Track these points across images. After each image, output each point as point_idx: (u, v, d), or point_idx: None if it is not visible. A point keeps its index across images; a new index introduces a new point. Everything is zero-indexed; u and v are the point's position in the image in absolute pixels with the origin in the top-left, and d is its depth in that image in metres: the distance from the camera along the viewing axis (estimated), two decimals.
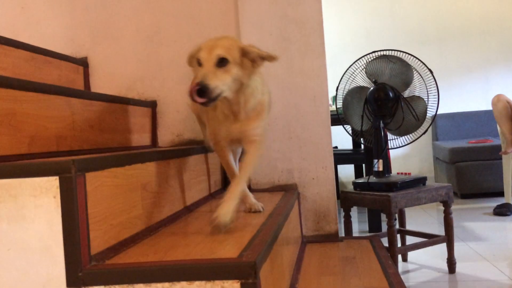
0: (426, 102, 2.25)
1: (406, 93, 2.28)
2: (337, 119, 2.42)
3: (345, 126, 2.44)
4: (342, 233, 2.26)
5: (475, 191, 4.28)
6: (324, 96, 2.07)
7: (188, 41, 2.21)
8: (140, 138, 2.04)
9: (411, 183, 2.18)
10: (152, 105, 2.20)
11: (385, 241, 2.05)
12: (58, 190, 0.91)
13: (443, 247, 2.27)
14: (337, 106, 2.39)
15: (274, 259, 1.17)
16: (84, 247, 0.93)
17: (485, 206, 3.89)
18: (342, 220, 2.30)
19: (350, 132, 2.48)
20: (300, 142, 2.08)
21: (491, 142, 4.41)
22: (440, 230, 2.70)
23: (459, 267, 2.26)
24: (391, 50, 2.27)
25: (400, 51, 2.26)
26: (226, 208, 1.20)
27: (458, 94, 5.19)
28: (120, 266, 0.96)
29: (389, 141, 2.35)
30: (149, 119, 2.17)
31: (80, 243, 0.92)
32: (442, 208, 2.26)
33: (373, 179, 2.21)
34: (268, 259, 1.05)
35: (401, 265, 2.41)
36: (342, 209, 2.29)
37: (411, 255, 2.51)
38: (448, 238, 2.22)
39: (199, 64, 1.21)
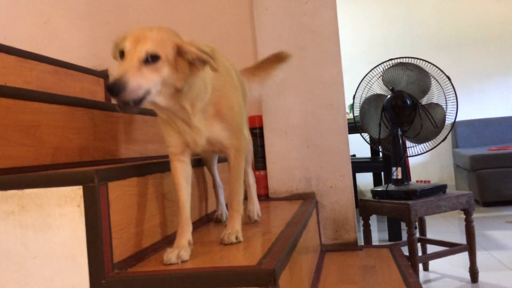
0: (445, 109, 2.24)
1: (424, 100, 2.27)
2: (354, 127, 2.42)
3: (362, 134, 2.44)
4: (361, 242, 2.25)
5: (497, 199, 4.21)
6: (341, 104, 2.08)
7: None
8: (160, 148, 2.07)
9: (431, 191, 2.16)
10: None
11: (405, 250, 2.03)
12: (82, 199, 0.93)
13: (465, 256, 2.24)
14: (354, 114, 2.39)
15: (293, 267, 1.18)
16: (107, 255, 0.95)
17: (508, 214, 3.81)
18: (361, 229, 2.29)
19: (368, 140, 2.48)
20: (318, 151, 2.08)
21: None
22: (461, 239, 2.66)
23: (481, 277, 2.22)
24: (408, 57, 2.26)
25: (417, 58, 2.26)
26: (231, 230, 1.18)
27: (478, 100, 5.13)
28: (142, 274, 0.97)
29: (407, 149, 2.34)
30: None
31: (103, 251, 0.94)
32: (463, 216, 2.23)
33: (392, 187, 2.19)
34: (287, 267, 1.06)
35: (422, 275, 2.38)
36: (361, 218, 2.28)
37: (432, 264, 2.48)
38: (470, 247, 2.19)
39: (122, 56, 0.97)
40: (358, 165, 3.77)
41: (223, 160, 1.51)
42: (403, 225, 2.30)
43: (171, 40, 0.99)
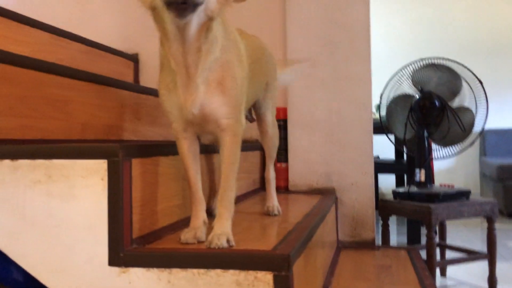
0: (474, 113, 2.19)
1: (454, 103, 2.23)
2: (380, 128, 2.39)
3: (388, 134, 2.41)
4: (379, 242, 2.23)
5: None
6: (367, 101, 2.06)
7: None
8: None
9: (454, 195, 2.12)
10: None
11: (423, 254, 2.01)
12: (106, 172, 0.96)
13: (484, 265, 2.19)
14: (381, 114, 2.37)
15: (308, 257, 1.18)
16: (126, 229, 0.97)
17: None
18: (380, 229, 2.27)
19: (393, 140, 2.45)
20: (341, 147, 2.07)
21: None
22: (482, 248, 2.61)
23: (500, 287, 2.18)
24: (440, 58, 2.22)
25: (449, 59, 2.22)
26: (220, 231, 1.00)
27: (510, 109, 5.00)
28: (159, 250, 0.99)
29: (433, 151, 2.31)
30: None
31: (123, 224, 0.96)
32: (486, 225, 2.18)
33: (414, 188, 2.17)
34: (302, 255, 1.06)
35: (439, 280, 2.35)
36: (380, 218, 2.26)
37: (450, 270, 2.44)
38: (490, 256, 2.15)
39: None
40: (381, 166, 3.73)
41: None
42: (423, 230, 2.27)
43: None
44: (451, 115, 2.17)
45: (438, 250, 2.36)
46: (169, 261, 0.95)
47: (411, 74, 2.28)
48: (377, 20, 4.85)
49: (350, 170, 2.07)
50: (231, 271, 0.92)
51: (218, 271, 0.93)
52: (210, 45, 0.97)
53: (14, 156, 1.02)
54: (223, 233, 0.99)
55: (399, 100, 2.31)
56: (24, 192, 1.01)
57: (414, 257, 1.91)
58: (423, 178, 2.17)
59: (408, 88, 2.30)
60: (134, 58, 2.32)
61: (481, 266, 2.32)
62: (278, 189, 2.09)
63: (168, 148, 1.16)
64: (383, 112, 2.35)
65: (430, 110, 2.16)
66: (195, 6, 0.87)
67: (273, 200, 1.44)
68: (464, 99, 2.23)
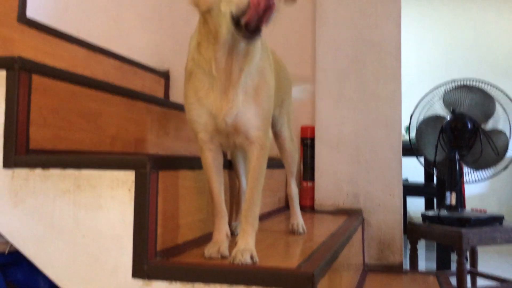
0: (508, 137, 2.13)
1: (487, 126, 2.17)
2: (409, 149, 2.35)
3: (418, 157, 2.36)
4: (406, 267, 2.16)
5: None
6: (396, 121, 2.03)
7: None
8: None
9: (486, 220, 2.05)
10: None
11: (453, 281, 1.93)
12: (133, 184, 0.97)
13: None
14: (410, 135, 2.33)
15: (333, 278, 1.15)
16: (151, 241, 0.98)
17: None
18: (408, 253, 2.20)
19: (423, 162, 2.40)
20: (368, 167, 2.04)
21: None
22: None
23: None
24: (473, 79, 2.18)
25: (483, 81, 2.17)
26: (244, 246, 0.99)
27: None
28: (183, 264, 0.99)
29: (464, 175, 2.24)
30: None
31: (148, 237, 0.97)
32: None
33: (444, 212, 2.10)
34: (326, 275, 1.04)
35: None
36: (408, 242, 2.20)
37: None
38: None
39: None
40: (410, 189, 3.65)
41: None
42: (453, 256, 2.19)
43: None
44: (484, 138, 2.11)
45: (468, 278, 2.27)
46: (192, 276, 0.95)
47: (443, 95, 2.24)
48: (409, 40, 4.83)
49: (378, 191, 2.03)
50: (254, 287, 0.91)
51: (242, 287, 0.92)
52: (250, 59, 0.98)
53: (45, 165, 1.04)
54: (246, 249, 0.97)
55: (430, 121, 2.26)
56: (53, 201, 1.03)
57: (443, 283, 1.85)
58: (453, 202, 2.11)
59: (439, 109, 2.26)
60: (165, 75, 2.36)
61: None
62: (304, 208, 2.07)
63: (195, 162, 1.17)
64: (413, 134, 2.31)
65: (462, 132, 2.10)
66: (265, 25, 0.89)
67: (298, 218, 1.42)
68: (498, 121, 2.17)
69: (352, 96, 2.07)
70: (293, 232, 1.39)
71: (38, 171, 1.05)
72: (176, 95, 2.35)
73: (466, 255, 1.97)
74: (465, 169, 2.26)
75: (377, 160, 2.03)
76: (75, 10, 2.69)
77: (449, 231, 1.96)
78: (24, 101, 1.07)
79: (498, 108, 2.16)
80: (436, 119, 2.25)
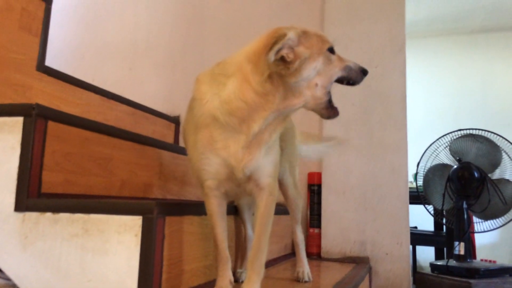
0: None
1: (494, 175, 2.17)
2: (417, 197, 2.34)
3: (426, 206, 2.35)
4: None
5: None
6: (403, 169, 2.04)
7: None
8: None
9: (496, 272, 2.01)
10: None
11: None
12: (140, 229, 0.98)
13: None
14: (418, 183, 2.33)
15: None
16: (156, 287, 0.98)
17: None
18: None
19: (432, 211, 2.39)
20: (375, 214, 2.03)
21: None
22: None
23: None
24: (478, 129, 2.20)
25: (488, 131, 2.19)
26: None
27: None
28: None
29: (473, 224, 2.22)
30: None
31: (153, 283, 0.97)
32: None
33: (453, 262, 2.07)
34: None
35: None
36: None
37: None
38: None
39: (332, 52, 1.01)
40: (419, 238, 3.60)
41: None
42: None
43: None
44: (492, 187, 2.11)
45: None
46: None
47: (449, 144, 2.26)
48: (417, 89, 4.90)
49: (385, 239, 2.01)
50: None
51: None
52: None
53: (55, 209, 1.07)
54: None
55: (437, 170, 2.27)
56: (61, 245, 1.05)
57: None
58: (462, 252, 2.08)
59: (445, 158, 2.27)
60: (175, 120, 2.42)
61: None
62: (310, 256, 2.06)
63: (201, 208, 1.18)
64: (420, 182, 2.32)
65: (469, 181, 2.11)
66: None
67: (304, 265, 1.41)
68: (505, 171, 2.17)
69: (359, 143, 2.10)
70: (298, 280, 1.38)
71: (48, 215, 1.07)
72: None
73: None
74: (475, 219, 2.24)
75: (384, 208, 2.03)
76: (91, 58, 2.81)
77: (458, 282, 1.93)
78: (39, 147, 1.11)
79: (504, 157, 2.17)
80: (443, 167, 2.26)
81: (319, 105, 0.98)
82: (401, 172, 2.04)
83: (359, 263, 1.96)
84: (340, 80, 1.04)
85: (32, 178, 1.10)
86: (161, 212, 1.00)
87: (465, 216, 2.13)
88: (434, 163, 2.29)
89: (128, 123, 1.99)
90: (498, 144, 2.17)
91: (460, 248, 2.09)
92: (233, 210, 1.38)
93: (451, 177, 2.17)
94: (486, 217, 2.17)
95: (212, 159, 1.00)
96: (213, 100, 0.98)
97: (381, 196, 2.04)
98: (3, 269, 1.10)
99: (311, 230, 2.11)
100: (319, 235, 2.10)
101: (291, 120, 1.45)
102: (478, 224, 2.23)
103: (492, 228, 2.20)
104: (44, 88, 1.59)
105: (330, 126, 2.15)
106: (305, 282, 1.37)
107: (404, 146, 2.05)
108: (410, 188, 2.13)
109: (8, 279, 1.11)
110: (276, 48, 0.88)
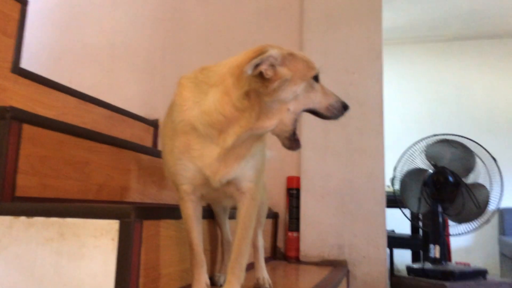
0: (489, 190, 2.17)
1: (468, 180, 2.22)
2: (394, 201, 2.38)
3: (403, 210, 2.39)
4: None
5: None
6: (380, 174, 2.07)
7: None
8: None
9: (470, 274, 2.05)
10: None
11: None
12: (117, 233, 0.97)
13: None
14: (395, 187, 2.36)
15: None
16: None
17: None
18: None
19: (408, 215, 2.42)
20: (353, 218, 2.06)
21: None
22: None
23: None
24: (453, 135, 2.25)
25: (462, 136, 2.24)
26: None
27: None
28: None
29: (449, 228, 2.27)
30: None
31: (130, 287, 0.96)
32: None
33: (428, 265, 2.11)
34: None
35: None
36: None
37: None
38: None
39: (316, 80, 1.01)
40: (396, 241, 3.65)
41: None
42: None
43: None
44: (466, 191, 2.15)
45: None
46: None
47: (425, 149, 2.30)
48: (393, 96, 4.98)
49: (362, 243, 2.04)
50: None
51: None
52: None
53: (30, 213, 1.05)
54: None
55: (413, 174, 2.31)
56: (35, 249, 1.03)
57: None
58: (438, 255, 2.12)
59: (421, 162, 2.31)
60: (154, 124, 2.40)
61: None
62: (289, 259, 2.07)
63: (179, 212, 1.18)
64: (397, 186, 2.35)
65: (444, 186, 2.15)
66: None
67: (263, 271, 1.32)
68: (478, 175, 2.22)
69: (337, 149, 2.12)
70: (259, 287, 1.29)
71: (23, 219, 1.05)
72: None
73: None
74: (450, 222, 2.28)
75: (362, 212, 2.05)
76: (68, 61, 2.77)
77: (434, 284, 1.96)
78: (13, 150, 1.10)
79: (478, 162, 2.22)
80: (418, 172, 2.30)
81: (283, 133, 0.96)
82: (378, 177, 2.07)
83: (337, 266, 1.98)
84: (313, 113, 1.02)
85: (6, 182, 1.08)
86: (139, 216, 0.99)
87: (440, 220, 2.17)
88: (410, 168, 2.33)
89: (106, 126, 1.97)
90: (472, 149, 2.22)
91: (435, 251, 2.13)
92: (209, 214, 1.38)
93: (426, 182, 2.21)
94: (460, 220, 2.22)
95: (188, 166, 1.00)
96: (193, 108, 0.98)
97: (359, 201, 2.06)
98: None
99: (290, 233, 2.12)
100: (297, 239, 2.11)
101: None
102: (453, 227, 2.28)
103: (466, 231, 2.24)
104: (19, 91, 1.56)
105: (309, 130, 2.17)
106: None
107: (381, 152, 2.09)
108: (387, 192, 2.16)
109: None
110: (254, 62, 0.87)
